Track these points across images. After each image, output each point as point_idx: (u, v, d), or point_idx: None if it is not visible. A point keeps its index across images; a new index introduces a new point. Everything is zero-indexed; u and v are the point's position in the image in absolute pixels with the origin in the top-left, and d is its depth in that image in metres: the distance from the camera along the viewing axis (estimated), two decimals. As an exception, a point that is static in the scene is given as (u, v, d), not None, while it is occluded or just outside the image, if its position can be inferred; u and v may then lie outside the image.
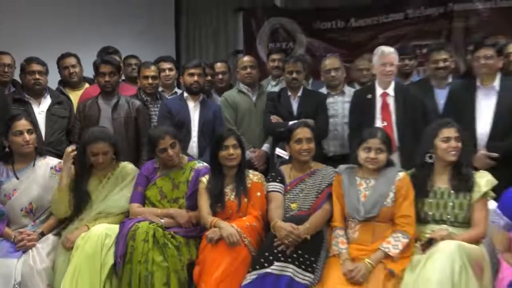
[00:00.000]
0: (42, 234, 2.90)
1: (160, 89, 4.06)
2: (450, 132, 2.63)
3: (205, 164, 3.09)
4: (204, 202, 2.87)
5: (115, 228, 2.82)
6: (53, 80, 4.05)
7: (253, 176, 2.96)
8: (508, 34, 4.90)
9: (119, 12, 5.82)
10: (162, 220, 2.86)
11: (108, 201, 3.01)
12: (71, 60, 4.07)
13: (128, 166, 3.14)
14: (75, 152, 2.98)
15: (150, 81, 3.83)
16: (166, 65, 4.10)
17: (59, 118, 3.65)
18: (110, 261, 2.70)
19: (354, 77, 4.22)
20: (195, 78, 3.61)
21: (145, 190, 3.03)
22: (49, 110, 3.64)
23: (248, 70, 3.89)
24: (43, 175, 3.03)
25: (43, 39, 5.02)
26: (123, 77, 4.19)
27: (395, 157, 3.16)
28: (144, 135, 3.50)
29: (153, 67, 3.88)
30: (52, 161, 3.11)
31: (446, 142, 2.62)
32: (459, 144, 2.62)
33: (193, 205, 2.95)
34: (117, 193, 3.05)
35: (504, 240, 2.40)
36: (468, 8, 5.36)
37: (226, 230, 2.65)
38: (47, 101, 3.68)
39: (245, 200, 2.85)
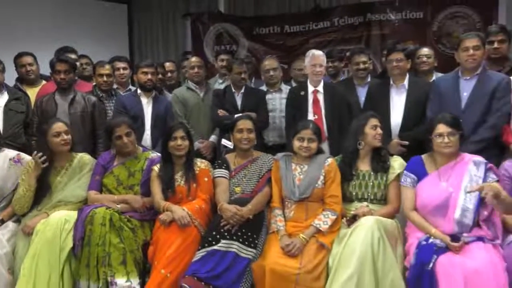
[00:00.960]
0: (2, 221, 2.73)
1: (114, 86, 3.90)
2: (376, 121, 2.70)
3: (158, 154, 3.01)
4: (156, 188, 2.79)
5: (74, 214, 2.70)
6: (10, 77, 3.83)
7: (201, 164, 2.91)
8: (415, 40, 5.12)
9: (77, 16, 5.56)
10: (118, 206, 2.76)
11: (67, 190, 2.86)
12: (28, 59, 3.83)
13: (85, 157, 2.99)
14: (45, 158, 2.81)
15: (105, 78, 3.67)
16: (121, 64, 3.95)
17: (17, 113, 3.43)
18: (69, 244, 2.57)
19: (293, 76, 4.22)
20: (149, 76, 3.51)
21: (102, 178, 2.91)
22: (6, 105, 3.41)
23: (196, 69, 3.82)
24: (2, 166, 2.84)
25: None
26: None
27: (325, 146, 3.21)
28: (100, 128, 3.36)
29: (107, 66, 3.72)
30: (10, 153, 2.92)
31: (374, 129, 2.68)
32: (381, 132, 2.70)
33: (147, 191, 2.86)
34: (75, 182, 2.90)
35: (412, 196, 2.53)
36: (383, 18, 5.51)
37: (177, 213, 2.61)
38: (4, 97, 3.44)
39: (194, 185, 2.80)
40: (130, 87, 4.04)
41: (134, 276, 2.57)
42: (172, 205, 2.69)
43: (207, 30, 5.96)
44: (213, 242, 2.51)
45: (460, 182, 2.43)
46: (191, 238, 2.58)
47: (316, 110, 3.35)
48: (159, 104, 3.58)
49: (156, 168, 2.85)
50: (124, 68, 3.95)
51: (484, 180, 2.41)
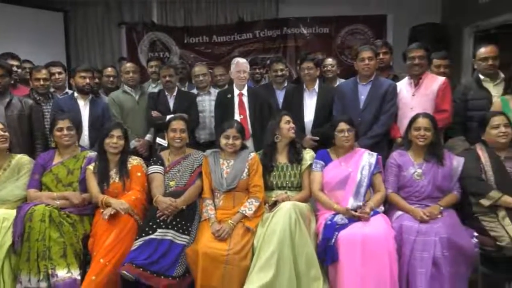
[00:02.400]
0: None
1: (52, 89, 3.63)
2: (288, 117, 2.79)
3: (95, 153, 2.85)
4: (93, 184, 2.67)
5: (12, 212, 2.49)
6: None
7: (133, 160, 2.81)
8: (323, 51, 5.38)
9: (15, 24, 5.08)
10: (58, 202, 2.58)
11: (4, 190, 2.64)
12: None
13: (24, 158, 2.78)
14: None
15: (41, 82, 3.39)
16: (56, 69, 3.66)
17: None
18: (8, 242, 2.38)
19: (214, 81, 4.19)
20: (87, 80, 3.32)
21: (41, 177, 2.71)
22: None
23: (131, 74, 3.68)
24: None
25: None
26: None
27: (250, 142, 3.24)
28: (37, 129, 3.13)
29: (43, 71, 3.43)
30: None
31: (288, 124, 2.76)
32: (294, 126, 2.78)
33: (85, 188, 2.70)
34: (13, 182, 2.69)
35: (319, 178, 2.70)
36: (297, 32, 5.72)
37: (116, 204, 2.51)
38: None
39: (128, 180, 2.70)
40: (67, 90, 3.78)
41: (74, 268, 2.42)
42: (110, 197, 2.58)
43: (141, 38, 5.76)
44: (150, 232, 2.44)
45: (358, 164, 2.67)
46: (128, 228, 2.48)
47: (241, 111, 3.37)
48: (96, 106, 3.40)
49: (91, 167, 2.72)
50: (59, 73, 3.67)
51: (375, 166, 2.67)
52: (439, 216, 2.45)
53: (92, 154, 2.84)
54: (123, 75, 3.74)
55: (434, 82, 3.05)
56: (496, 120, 2.62)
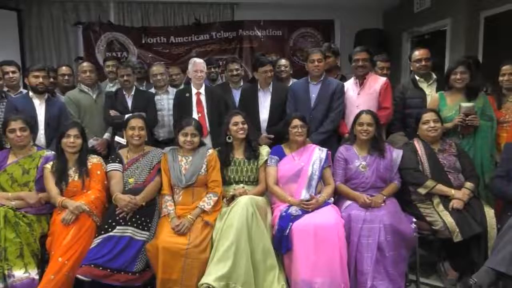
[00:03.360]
0: None
1: (5, 89, 3.37)
2: (237, 118, 2.77)
3: (52, 152, 2.71)
4: (51, 183, 2.52)
5: (-35, 214, 2.29)
6: None
7: (92, 159, 2.70)
8: (276, 52, 5.42)
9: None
10: (13, 203, 2.43)
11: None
12: None
13: (-23, 157, 2.57)
14: None
15: (-7, 81, 3.16)
16: (10, 68, 3.39)
17: None
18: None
19: (170, 81, 4.07)
20: (40, 79, 3.11)
21: (-5, 177, 2.52)
22: None
23: (88, 73, 3.50)
24: None
25: None
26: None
27: (208, 139, 3.19)
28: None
29: (-5, 70, 3.20)
30: None
31: (236, 125, 2.75)
32: (246, 126, 2.77)
33: (42, 187, 2.55)
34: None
35: (274, 172, 2.72)
36: (252, 34, 5.69)
37: (73, 205, 2.38)
38: None
39: (87, 179, 2.58)
40: (22, 90, 3.53)
41: (32, 267, 2.29)
42: (68, 200, 2.45)
43: (98, 38, 5.46)
44: (109, 229, 2.34)
45: (309, 159, 2.72)
46: (86, 227, 2.37)
47: (199, 109, 3.30)
48: (52, 106, 3.19)
49: (48, 166, 2.57)
50: (13, 72, 3.40)
51: (325, 161, 2.72)
52: (383, 204, 2.55)
53: (49, 153, 2.69)
54: (80, 74, 3.56)
55: (377, 82, 3.16)
56: (426, 116, 2.77)
